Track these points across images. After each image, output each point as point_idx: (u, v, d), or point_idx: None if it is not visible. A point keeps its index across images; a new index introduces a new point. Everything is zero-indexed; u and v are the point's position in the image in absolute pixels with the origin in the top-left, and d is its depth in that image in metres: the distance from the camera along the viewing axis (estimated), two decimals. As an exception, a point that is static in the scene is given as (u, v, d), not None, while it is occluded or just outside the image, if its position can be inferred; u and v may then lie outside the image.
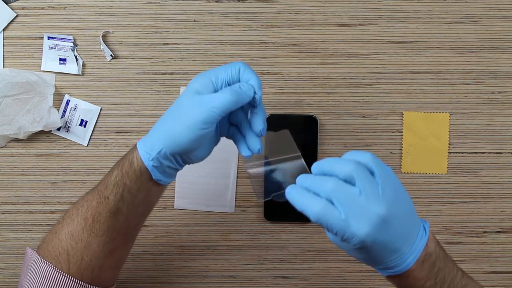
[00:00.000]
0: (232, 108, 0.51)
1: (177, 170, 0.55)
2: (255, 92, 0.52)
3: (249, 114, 0.55)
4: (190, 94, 0.52)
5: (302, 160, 0.59)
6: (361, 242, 0.44)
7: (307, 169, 0.66)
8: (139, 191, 0.54)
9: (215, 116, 0.51)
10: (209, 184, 0.73)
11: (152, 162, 0.52)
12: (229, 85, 0.53)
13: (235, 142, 0.57)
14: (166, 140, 0.52)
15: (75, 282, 0.53)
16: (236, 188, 0.73)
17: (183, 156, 0.53)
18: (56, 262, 0.54)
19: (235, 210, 0.73)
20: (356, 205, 0.43)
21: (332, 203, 0.44)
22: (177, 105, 0.53)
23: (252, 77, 0.53)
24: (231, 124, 0.56)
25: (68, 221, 0.55)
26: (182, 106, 0.52)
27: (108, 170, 0.55)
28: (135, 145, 0.54)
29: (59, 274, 0.53)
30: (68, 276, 0.53)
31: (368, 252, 0.45)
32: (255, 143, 0.55)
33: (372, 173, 0.45)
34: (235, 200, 0.73)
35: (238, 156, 0.73)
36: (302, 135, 0.72)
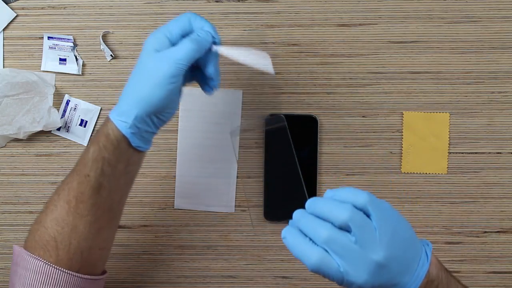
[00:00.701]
0: (196, 57, 0.53)
1: (154, 133, 0.56)
2: (213, 37, 0.54)
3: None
4: (151, 53, 0.53)
5: (303, 183, 0.60)
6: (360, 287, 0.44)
7: (306, 193, 0.66)
8: (119, 162, 0.54)
9: (182, 67, 0.52)
10: (209, 184, 0.73)
11: (130, 129, 0.53)
12: (183, 37, 0.54)
13: (199, 83, 0.59)
14: (139, 103, 0.52)
15: (65, 273, 0.53)
16: (236, 188, 0.73)
17: (158, 115, 0.54)
18: (45, 251, 0.53)
19: (235, 210, 0.73)
20: (352, 253, 0.43)
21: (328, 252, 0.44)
22: (140, 67, 0.54)
23: (205, 24, 0.54)
24: (192, 70, 0.57)
25: (51, 208, 0.54)
26: (147, 66, 0.53)
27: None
28: (107, 118, 0.54)
29: (49, 267, 0.53)
30: (59, 268, 0.53)
31: None
32: (212, 83, 0.57)
33: (368, 215, 0.45)
34: (235, 200, 0.73)
35: (238, 156, 0.73)
36: (302, 135, 0.72)
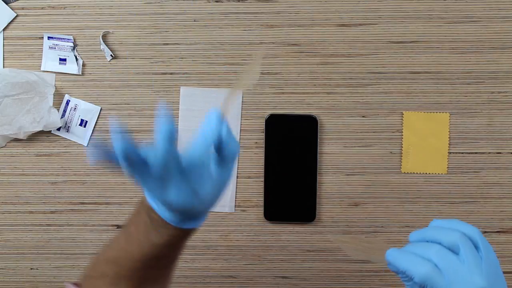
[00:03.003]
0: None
1: None
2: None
3: None
4: None
5: None
6: None
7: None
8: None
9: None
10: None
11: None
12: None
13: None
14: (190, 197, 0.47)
15: None
16: (236, 188, 0.73)
17: None
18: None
19: (235, 210, 0.73)
20: (459, 273, 0.43)
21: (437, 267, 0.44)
22: None
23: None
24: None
25: None
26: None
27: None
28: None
29: None
30: None
31: None
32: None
33: (476, 247, 0.45)
34: (235, 200, 0.73)
35: (238, 156, 0.73)
36: (302, 135, 0.72)
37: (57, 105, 0.72)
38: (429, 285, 0.43)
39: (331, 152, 0.73)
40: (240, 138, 0.73)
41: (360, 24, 0.72)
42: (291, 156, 0.72)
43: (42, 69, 0.72)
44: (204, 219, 0.51)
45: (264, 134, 0.72)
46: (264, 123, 0.72)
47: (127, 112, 0.73)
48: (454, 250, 0.44)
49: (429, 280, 0.43)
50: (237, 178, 0.73)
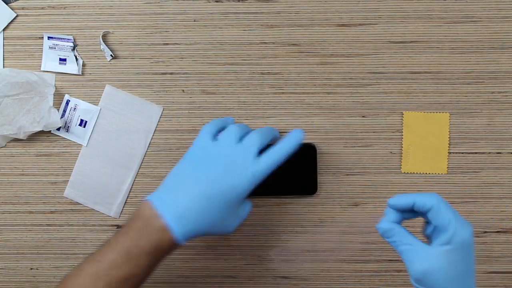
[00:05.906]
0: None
1: None
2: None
3: None
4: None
5: None
6: (470, 237, 0.47)
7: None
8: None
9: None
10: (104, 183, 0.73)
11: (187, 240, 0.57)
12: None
13: None
14: (210, 228, 0.56)
15: None
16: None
17: None
18: None
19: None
20: (457, 214, 0.48)
21: None
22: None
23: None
24: None
25: None
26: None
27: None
28: (164, 225, 0.55)
29: None
30: None
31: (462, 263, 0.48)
32: None
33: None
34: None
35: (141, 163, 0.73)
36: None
37: (57, 105, 0.72)
38: (441, 207, 0.46)
39: (331, 152, 0.73)
40: (240, 138, 0.73)
41: (360, 24, 0.72)
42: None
43: (42, 69, 0.72)
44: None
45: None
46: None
47: (127, 112, 0.73)
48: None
49: (443, 204, 0.46)
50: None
